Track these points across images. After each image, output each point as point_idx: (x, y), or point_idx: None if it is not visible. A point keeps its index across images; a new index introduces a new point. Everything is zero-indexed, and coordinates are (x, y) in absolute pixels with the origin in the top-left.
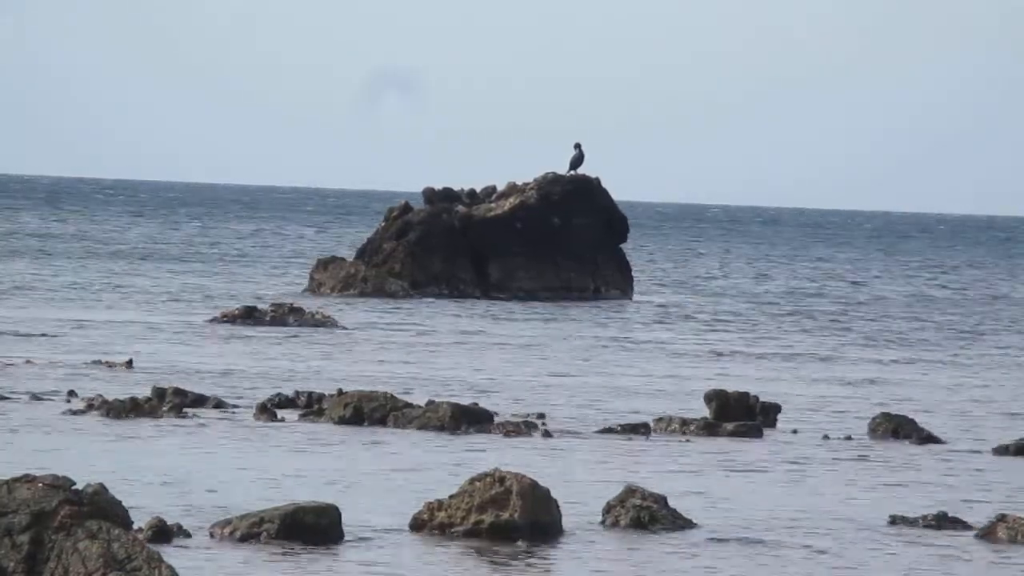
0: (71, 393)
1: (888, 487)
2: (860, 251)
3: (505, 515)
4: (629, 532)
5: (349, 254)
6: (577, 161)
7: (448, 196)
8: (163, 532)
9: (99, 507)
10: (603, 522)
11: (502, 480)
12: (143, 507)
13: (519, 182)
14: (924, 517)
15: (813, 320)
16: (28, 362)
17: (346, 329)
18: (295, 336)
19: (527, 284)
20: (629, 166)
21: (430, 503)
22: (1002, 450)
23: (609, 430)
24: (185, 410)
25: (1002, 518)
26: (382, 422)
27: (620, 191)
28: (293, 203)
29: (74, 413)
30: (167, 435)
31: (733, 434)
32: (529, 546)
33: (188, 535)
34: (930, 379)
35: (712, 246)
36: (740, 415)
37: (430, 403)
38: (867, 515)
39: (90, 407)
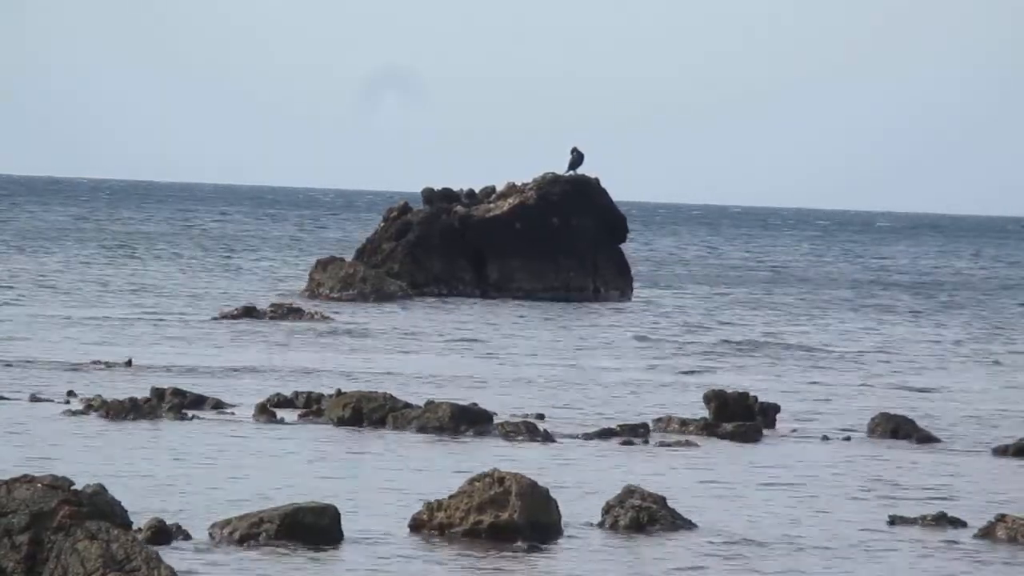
0: (71, 393)
1: (888, 487)
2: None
3: (504, 515)
4: (628, 532)
5: (348, 254)
6: (576, 162)
7: (447, 196)
8: (162, 532)
9: (98, 507)
10: (602, 522)
11: (501, 480)
12: (142, 507)
13: (518, 182)
14: (924, 517)
15: (816, 319)
16: (27, 362)
17: (345, 329)
18: (294, 336)
19: (526, 284)
20: (628, 166)
21: (429, 503)
22: (1002, 450)
23: (608, 430)
24: (184, 410)
25: (1002, 518)
26: (381, 422)
27: (619, 191)
28: (289, 202)
29: (74, 414)
30: (166, 435)
31: (732, 434)
32: (528, 546)
33: (187, 535)
34: (930, 378)
35: (711, 245)
36: (739, 415)
37: (429, 403)
38: (867, 515)
39: (89, 408)
